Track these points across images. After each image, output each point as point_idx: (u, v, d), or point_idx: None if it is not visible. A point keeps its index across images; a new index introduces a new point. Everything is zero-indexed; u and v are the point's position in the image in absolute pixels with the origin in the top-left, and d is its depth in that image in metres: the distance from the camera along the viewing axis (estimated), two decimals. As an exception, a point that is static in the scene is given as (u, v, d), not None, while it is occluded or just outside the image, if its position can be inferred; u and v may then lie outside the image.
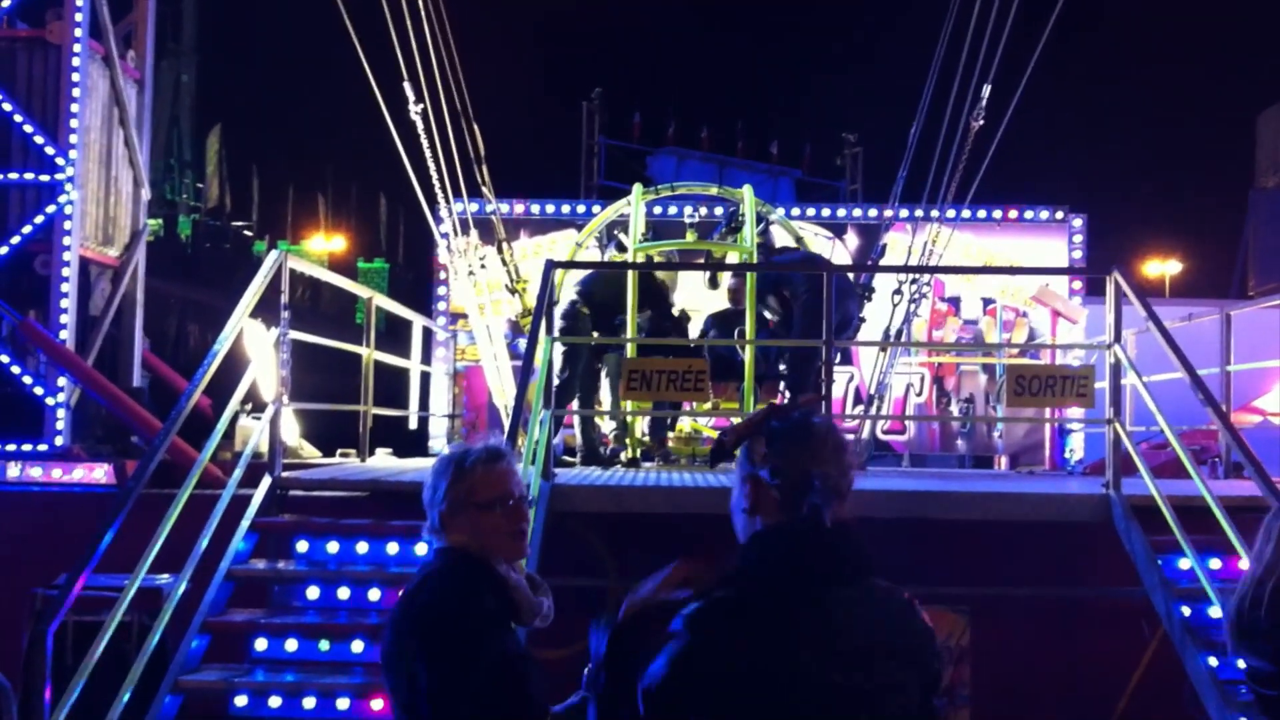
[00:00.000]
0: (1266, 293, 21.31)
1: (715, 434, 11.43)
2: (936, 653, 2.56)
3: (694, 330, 11.72)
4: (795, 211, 13.92)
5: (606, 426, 10.74)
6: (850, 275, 10.84)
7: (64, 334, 9.59)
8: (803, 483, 2.53)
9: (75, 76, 9.88)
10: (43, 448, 9.38)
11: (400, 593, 3.16)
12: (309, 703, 6.17)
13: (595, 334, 10.02)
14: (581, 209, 14.21)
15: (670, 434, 10.93)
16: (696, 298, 12.24)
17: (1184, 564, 6.68)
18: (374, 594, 6.74)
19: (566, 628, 3.20)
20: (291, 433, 10.19)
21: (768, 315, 10.31)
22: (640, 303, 9.87)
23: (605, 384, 10.49)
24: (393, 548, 6.90)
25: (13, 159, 9.86)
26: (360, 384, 9.43)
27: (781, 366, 10.30)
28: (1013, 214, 13.81)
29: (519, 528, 3.16)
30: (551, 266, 7.99)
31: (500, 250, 11.90)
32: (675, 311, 10.47)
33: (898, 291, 11.20)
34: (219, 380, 7.01)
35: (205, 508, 6.52)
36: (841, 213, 14.24)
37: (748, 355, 9.78)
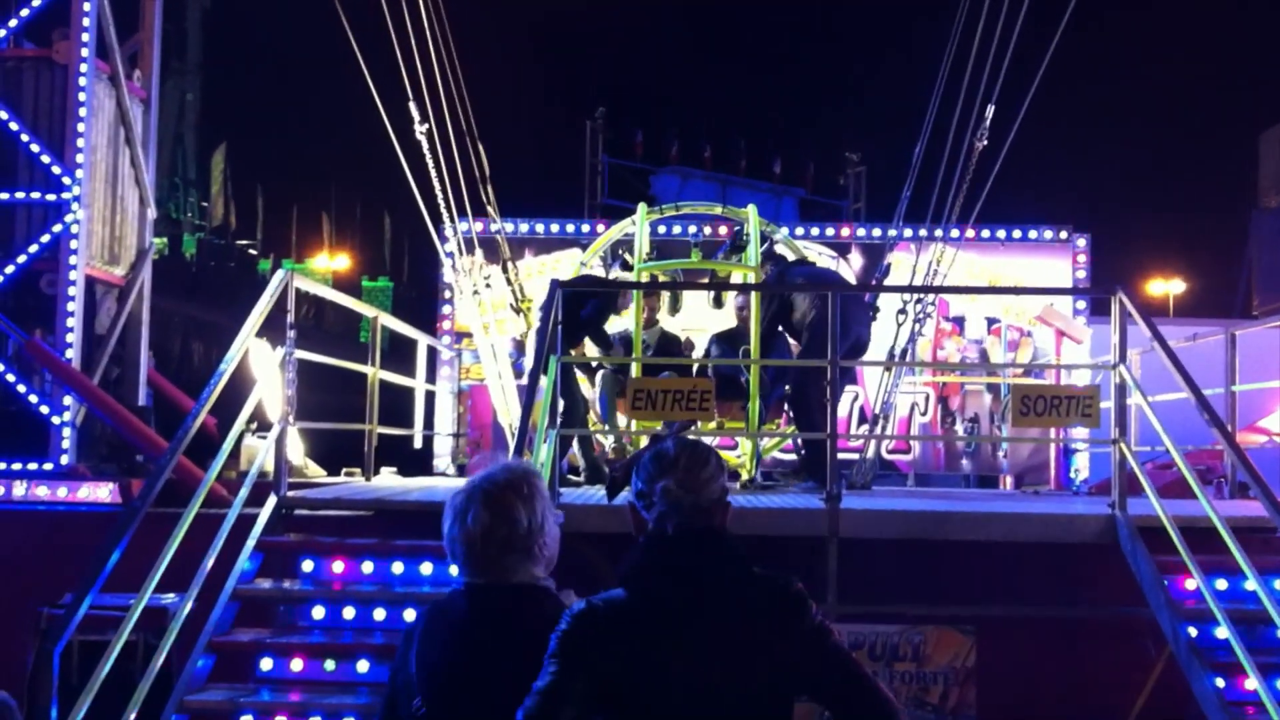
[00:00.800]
0: (1270, 312, 21.31)
1: (721, 454, 11.42)
2: (808, 617, 2.82)
3: (698, 350, 11.73)
4: (799, 231, 13.93)
5: (604, 443, 10.74)
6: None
7: (70, 353, 9.60)
8: (651, 500, 2.90)
9: (81, 96, 9.90)
10: (48, 466, 9.37)
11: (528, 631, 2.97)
12: (314, 722, 6.17)
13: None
14: (586, 228, 14.23)
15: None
16: (700, 317, 12.25)
17: (1190, 584, 6.69)
18: (379, 613, 6.74)
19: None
20: (296, 452, 10.20)
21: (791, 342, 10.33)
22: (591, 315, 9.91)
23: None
24: (398, 567, 6.91)
25: (19, 178, 9.88)
26: (365, 403, 9.44)
27: (788, 387, 10.30)
28: (1016, 234, 13.83)
29: None
30: (556, 286, 7.99)
31: (505, 269, 11.91)
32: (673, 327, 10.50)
33: (902, 311, 11.19)
34: (222, 399, 7.02)
35: (211, 527, 6.53)
36: (845, 232, 14.26)
37: (752, 375, 9.78)
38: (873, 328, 10.64)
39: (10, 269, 9.68)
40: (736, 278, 11.34)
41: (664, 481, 2.88)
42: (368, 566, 6.97)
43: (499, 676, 2.92)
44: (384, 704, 3.17)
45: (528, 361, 10.03)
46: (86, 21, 9.96)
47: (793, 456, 11.39)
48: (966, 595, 7.81)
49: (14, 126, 9.82)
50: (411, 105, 10.47)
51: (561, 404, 9.51)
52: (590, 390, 10.54)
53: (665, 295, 11.27)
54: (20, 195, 9.83)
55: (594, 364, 10.21)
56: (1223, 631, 6.27)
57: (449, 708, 2.96)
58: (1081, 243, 13.83)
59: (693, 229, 13.59)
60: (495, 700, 2.90)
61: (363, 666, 6.43)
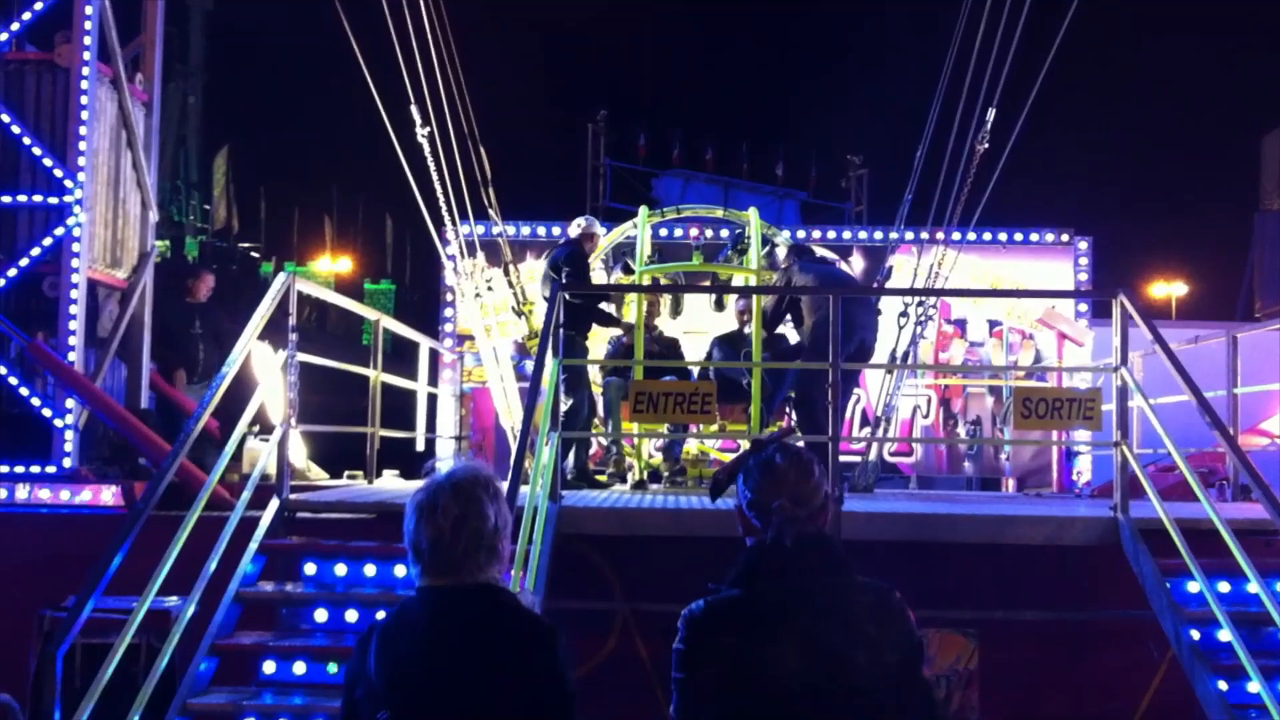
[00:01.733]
0: (1272, 314, 21.30)
1: (723, 456, 11.45)
2: (910, 629, 3.06)
3: (699, 352, 11.75)
4: (801, 233, 13.94)
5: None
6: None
7: (72, 355, 9.60)
8: (766, 511, 3.09)
9: (83, 99, 9.89)
10: (51, 469, 9.37)
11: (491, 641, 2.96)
12: (316, 725, 6.16)
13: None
14: (588, 230, 14.22)
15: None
16: (702, 320, 12.26)
17: (1193, 587, 6.68)
18: (382, 616, 6.72)
19: (572, 649, 3.16)
20: (299, 455, 10.20)
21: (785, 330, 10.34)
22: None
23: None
24: (400, 570, 6.90)
25: (21, 181, 9.87)
26: (367, 405, 9.45)
27: (792, 392, 10.30)
28: (1018, 236, 13.84)
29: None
30: (558, 289, 8.01)
31: (507, 272, 11.93)
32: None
33: (904, 314, 11.20)
34: (225, 401, 7.03)
35: (213, 530, 6.53)
36: (847, 235, 14.27)
37: (754, 377, 9.78)
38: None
39: (12, 272, 9.67)
40: (738, 280, 11.35)
41: (778, 500, 3.09)
42: (370, 569, 6.97)
43: (473, 681, 2.88)
44: (342, 716, 3.08)
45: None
46: (89, 25, 9.96)
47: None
48: (969, 598, 7.82)
49: (16, 130, 9.82)
50: (413, 108, 10.48)
51: (569, 402, 9.56)
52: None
53: (666, 298, 11.27)
54: (22, 198, 9.83)
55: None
56: (1225, 634, 6.27)
57: (422, 717, 2.91)
58: (1083, 245, 13.84)
59: (694, 232, 13.61)
60: (472, 707, 2.87)
61: (365, 669, 6.41)
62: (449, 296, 13.71)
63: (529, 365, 10.89)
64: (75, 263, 9.72)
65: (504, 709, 2.89)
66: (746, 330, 10.58)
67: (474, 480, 3.01)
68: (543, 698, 2.91)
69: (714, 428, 10.11)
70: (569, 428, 9.68)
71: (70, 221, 9.74)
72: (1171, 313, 40.67)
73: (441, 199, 11.00)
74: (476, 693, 2.87)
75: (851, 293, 10.56)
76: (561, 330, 9.78)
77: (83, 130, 9.88)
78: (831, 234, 14.25)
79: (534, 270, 13.78)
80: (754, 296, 10.14)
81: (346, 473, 10.62)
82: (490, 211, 11.79)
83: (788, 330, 10.69)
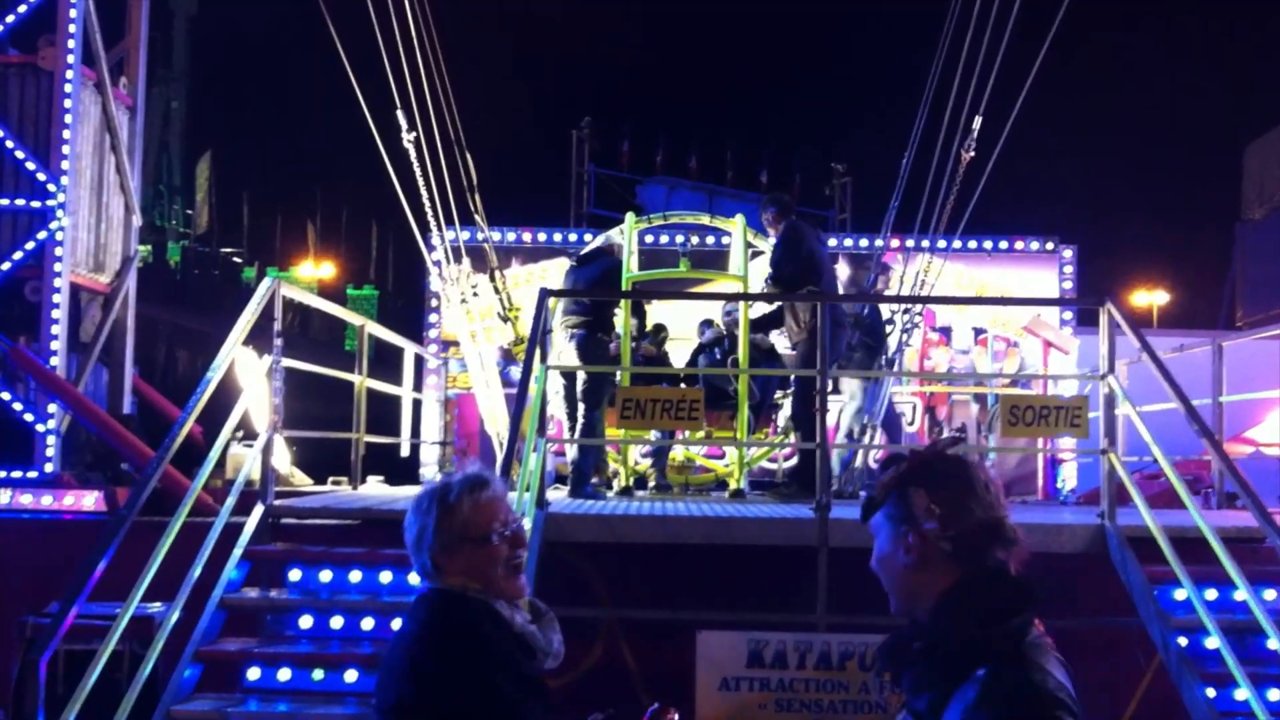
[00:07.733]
0: (1254, 324, 21.38)
1: (709, 463, 11.42)
2: None
3: (684, 359, 11.73)
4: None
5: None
6: (845, 307, 10.72)
7: (54, 360, 9.55)
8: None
9: (67, 103, 9.85)
10: (33, 474, 9.32)
11: (393, 639, 2.95)
12: (302, 733, 6.12)
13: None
14: (573, 237, 14.24)
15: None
16: (690, 327, 12.25)
17: (1180, 594, 6.68)
18: (367, 623, 6.71)
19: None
20: (283, 460, 10.15)
21: (775, 339, 10.33)
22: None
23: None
24: (386, 576, 6.87)
25: (4, 185, 9.82)
26: (352, 411, 9.41)
27: (778, 395, 10.31)
28: (1003, 244, 13.87)
29: (517, 559, 2.94)
30: (546, 294, 7.98)
31: (492, 278, 11.90)
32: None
33: (889, 321, 11.20)
34: (208, 408, 6.98)
35: (197, 536, 6.49)
36: (832, 242, 14.27)
37: (740, 384, 9.77)
38: (858, 337, 10.67)
39: (-6, 276, 9.63)
40: (725, 287, 11.34)
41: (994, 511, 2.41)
42: (355, 575, 6.93)
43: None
44: None
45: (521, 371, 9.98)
46: (73, 28, 9.92)
47: (791, 463, 11.36)
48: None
49: (-1, 133, 9.78)
50: (399, 113, 10.45)
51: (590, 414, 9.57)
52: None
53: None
54: (5, 202, 9.78)
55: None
56: (1213, 641, 6.27)
57: None
58: (1068, 253, 13.89)
59: (680, 238, 13.60)
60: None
61: (350, 676, 6.39)
62: (434, 302, 13.67)
63: (515, 371, 10.87)
64: (58, 267, 9.68)
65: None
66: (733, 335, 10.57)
67: (423, 494, 2.97)
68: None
69: (701, 434, 10.10)
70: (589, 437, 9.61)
71: (53, 225, 9.69)
72: (1153, 321, 40.84)
73: (427, 205, 10.96)
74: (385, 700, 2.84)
75: (840, 299, 10.54)
76: (594, 333, 9.77)
77: (66, 134, 9.84)
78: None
79: (519, 276, 13.78)
80: (740, 304, 10.13)
81: (331, 479, 10.57)
82: (476, 217, 11.77)
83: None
